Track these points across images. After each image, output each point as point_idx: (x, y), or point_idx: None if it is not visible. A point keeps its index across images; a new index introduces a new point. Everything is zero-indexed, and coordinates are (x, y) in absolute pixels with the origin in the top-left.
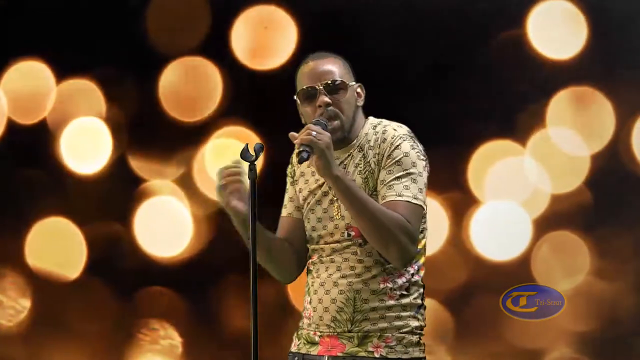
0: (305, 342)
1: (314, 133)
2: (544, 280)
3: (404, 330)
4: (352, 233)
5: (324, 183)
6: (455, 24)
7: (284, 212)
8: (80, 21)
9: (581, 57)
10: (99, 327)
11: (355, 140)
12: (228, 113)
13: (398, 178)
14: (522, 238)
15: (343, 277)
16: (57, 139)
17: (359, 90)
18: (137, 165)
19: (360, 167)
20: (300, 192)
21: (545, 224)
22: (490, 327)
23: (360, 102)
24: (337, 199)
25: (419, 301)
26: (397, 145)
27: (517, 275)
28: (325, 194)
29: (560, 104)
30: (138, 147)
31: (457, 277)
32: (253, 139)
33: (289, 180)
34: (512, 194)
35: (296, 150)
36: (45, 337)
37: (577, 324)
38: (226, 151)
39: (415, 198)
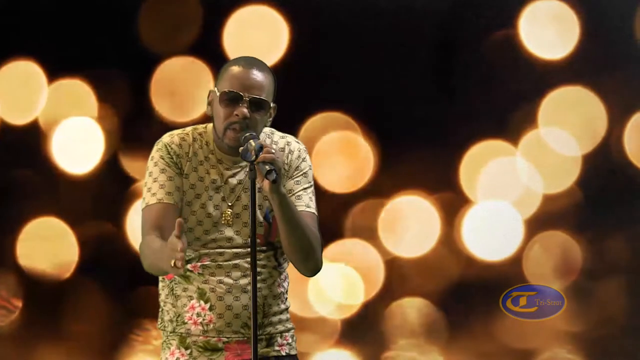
0: (202, 349)
1: (273, 151)
2: (536, 280)
3: (292, 330)
4: (258, 240)
5: (220, 187)
6: (448, 24)
7: (169, 199)
8: (72, 21)
9: (573, 57)
10: (91, 327)
11: None
12: None
13: (305, 189)
14: (514, 238)
15: (248, 283)
16: (49, 139)
17: (271, 111)
18: (129, 165)
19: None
20: (192, 187)
21: (537, 224)
22: (482, 327)
23: (269, 123)
24: (230, 205)
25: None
26: (304, 158)
27: (509, 275)
28: (224, 198)
29: (552, 104)
30: (130, 147)
31: (449, 277)
32: None
33: (172, 168)
34: (504, 194)
35: (200, 145)
36: (37, 337)
37: (569, 324)
38: None
39: (317, 210)
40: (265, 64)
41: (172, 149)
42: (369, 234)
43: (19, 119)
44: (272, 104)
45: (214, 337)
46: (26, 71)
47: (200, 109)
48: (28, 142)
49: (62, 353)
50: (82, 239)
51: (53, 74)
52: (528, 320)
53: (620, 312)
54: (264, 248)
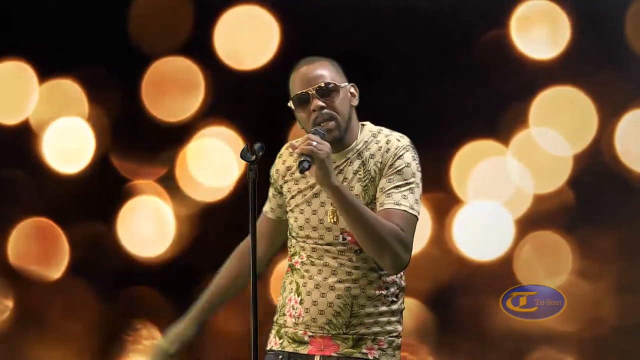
0: (291, 340)
1: (314, 143)
2: (526, 280)
3: (394, 334)
4: (348, 238)
5: (314, 185)
6: (438, 23)
7: (267, 208)
8: (63, 21)
9: (564, 57)
10: (82, 327)
11: (352, 145)
12: (211, 113)
13: (397, 187)
14: (504, 238)
15: (340, 282)
16: (40, 139)
17: (352, 90)
18: (120, 165)
19: (360, 175)
20: (289, 191)
21: (527, 224)
22: (472, 327)
23: (355, 102)
24: (331, 203)
25: (403, 306)
26: (400, 156)
27: (499, 275)
28: (316, 195)
29: (543, 104)
30: (121, 147)
31: (439, 277)
32: (235, 139)
33: (272, 184)
34: (495, 194)
35: (294, 158)
36: (27, 337)
37: (559, 324)
38: (208, 151)
39: (411, 208)
40: (319, 56)
41: (273, 167)
42: None
43: (9, 119)
44: (343, 85)
45: (301, 330)
46: (17, 71)
47: (191, 109)
48: (19, 142)
49: (53, 353)
50: (72, 239)
51: (44, 74)
52: (518, 321)
53: (610, 312)
54: (357, 249)
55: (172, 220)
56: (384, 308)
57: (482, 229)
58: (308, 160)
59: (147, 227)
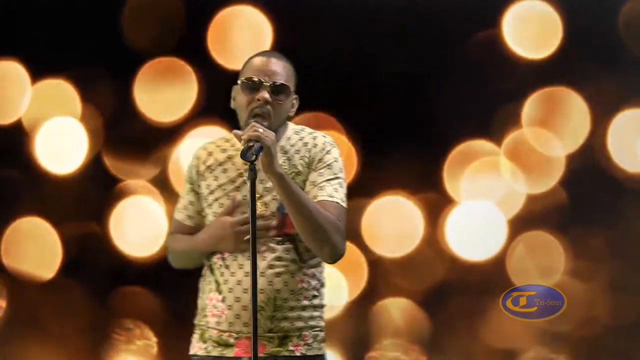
0: (216, 344)
1: (260, 129)
2: (519, 280)
3: (317, 328)
4: (273, 232)
5: (236, 179)
6: (431, 24)
7: (179, 216)
8: (56, 21)
9: (556, 57)
10: (75, 327)
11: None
12: (203, 113)
13: (328, 180)
14: (497, 238)
15: (262, 275)
16: (33, 139)
17: (294, 101)
18: (112, 165)
19: (285, 168)
20: (207, 187)
21: (520, 224)
22: (465, 327)
23: (292, 113)
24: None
25: (324, 302)
26: (328, 151)
27: (492, 275)
28: (237, 188)
29: (535, 104)
30: (113, 147)
31: (432, 277)
32: None
33: (187, 184)
34: (488, 194)
35: (242, 146)
36: (20, 337)
37: (552, 324)
38: None
39: (343, 201)
40: (285, 57)
41: (190, 162)
42: (353, 234)
43: (2, 119)
44: (293, 94)
45: (225, 332)
46: (10, 71)
47: (184, 109)
48: (12, 142)
49: (46, 352)
50: (65, 238)
51: (37, 74)
52: (511, 320)
53: (603, 311)
54: (279, 239)
55: (164, 220)
56: (306, 302)
57: (475, 229)
58: (254, 145)
59: (140, 227)
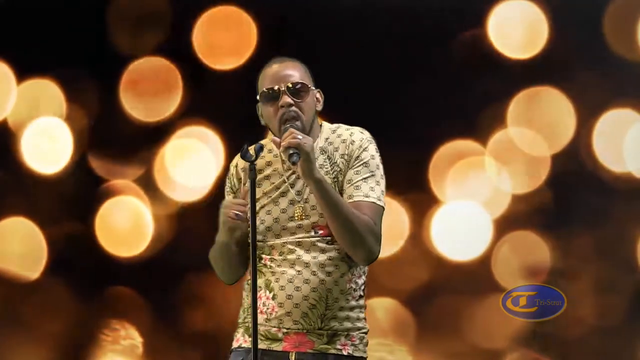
0: (264, 337)
1: (299, 136)
2: (504, 280)
3: (363, 330)
4: (320, 232)
5: (280, 185)
6: (415, 23)
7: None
8: (41, 21)
9: (542, 57)
10: (60, 327)
11: (314, 143)
12: (189, 113)
13: (365, 179)
14: (482, 238)
15: (314, 274)
16: (18, 139)
17: (318, 95)
18: (97, 165)
19: (327, 168)
20: (264, 194)
21: (505, 224)
22: (451, 327)
23: (319, 107)
24: (298, 201)
25: (366, 303)
26: (365, 148)
27: (478, 275)
28: (283, 194)
29: (520, 104)
30: (99, 147)
31: (418, 277)
32: (214, 138)
33: (229, 193)
34: (473, 194)
35: (282, 152)
36: (5, 337)
37: (537, 324)
38: (186, 151)
39: (379, 199)
40: (292, 58)
41: (230, 171)
42: None
43: None
44: (313, 88)
45: (274, 326)
46: None
47: (170, 109)
48: None
49: (31, 353)
50: (51, 238)
51: (22, 74)
52: (497, 320)
53: (588, 312)
54: (329, 239)
55: (150, 220)
56: (353, 302)
57: (460, 229)
58: (297, 152)
59: (125, 227)
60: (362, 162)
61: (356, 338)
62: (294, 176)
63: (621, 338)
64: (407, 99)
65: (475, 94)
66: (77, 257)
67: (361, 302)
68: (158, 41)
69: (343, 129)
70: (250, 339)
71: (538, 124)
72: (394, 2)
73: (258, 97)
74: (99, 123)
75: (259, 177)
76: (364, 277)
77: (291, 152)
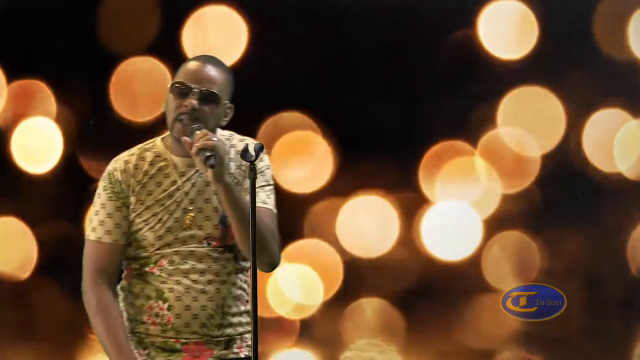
0: (160, 350)
1: (214, 138)
2: (494, 280)
3: (249, 331)
4: (213, 243)
5: (174, 193)
6: (406, 23)
7: (109, 239)
8: (31, 22)
9: (532, 57)
10: (50, 327)
11: None
12: None
13: (262, 187)
14: (472, 238)
15: (210, 283)
16: (8, 140)
17: (228, 110)
18: (88, 165)
19: None
20: (140, 202)
21: (495, 224)
22: (441, 327)
23: (224, 123)
24: (191, 209)
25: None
26: (261, 158)
27: (467, 275)
28: (177, 203)
29: (511, 104)
30: (89, 147)
31: (408, 277)
32: None
33: (113, 200)
34: (463, 194)
35: (194, 153)
36: None
37: (527, 324)
38: None
39: (275, 208)
40: (224, 64)
41: (114, 176)
42: (328, 234)
43: None
44: (226, 102)
45: (171, 337)
46: None
47: (160, 109)
48: None
49: (21, 353)
50: (41, 238)
51: (12, 74)
52: (487, 321)
53: (578, 312)
54: (221, 249)
55: None
56: (243, 308)
57: (451, 229)
58: (214, 155)
59: None
60: (258, 172)
61: (248, 340)
62: (188, 184)
63: (610, 338)
64: (397, 99)
65: (465, 94)
66: (67, 257)
67: (248, 306)
68: (148, 41)
69: (237, 139)
70: (145, 352)
71: (528, 124)
72: (384, 3)
73: (169, 86)
74: (89, 123)
75: (149, 183)
76: (248, 283)
77: (208, 154)
